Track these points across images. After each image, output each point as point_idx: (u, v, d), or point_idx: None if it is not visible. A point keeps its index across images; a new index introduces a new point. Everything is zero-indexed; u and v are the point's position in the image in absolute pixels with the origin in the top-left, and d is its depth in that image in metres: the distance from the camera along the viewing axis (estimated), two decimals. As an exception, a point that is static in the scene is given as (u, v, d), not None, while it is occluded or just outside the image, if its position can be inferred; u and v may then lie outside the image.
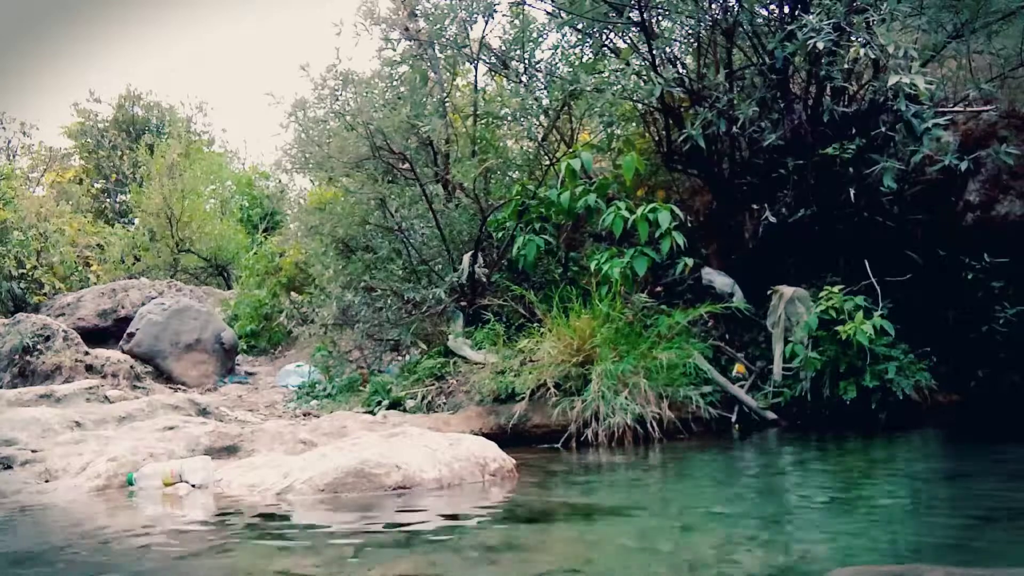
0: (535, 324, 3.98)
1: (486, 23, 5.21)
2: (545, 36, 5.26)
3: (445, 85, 5.39)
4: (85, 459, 2.32)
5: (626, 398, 3.30)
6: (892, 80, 3.34)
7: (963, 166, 3.68)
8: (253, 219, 12.54)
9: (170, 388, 5.48)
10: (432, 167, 5.17)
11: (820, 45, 3.52)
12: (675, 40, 4.63)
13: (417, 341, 4.76)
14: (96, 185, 16.93)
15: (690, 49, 4.80)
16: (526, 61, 5.25)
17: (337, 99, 5.24)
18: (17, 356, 5.21)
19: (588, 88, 4.32)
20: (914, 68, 3.34)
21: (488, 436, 2.79)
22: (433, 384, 4.07)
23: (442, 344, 4.50)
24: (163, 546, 1.47)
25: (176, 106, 17.68)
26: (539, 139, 5.25)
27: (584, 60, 5.05)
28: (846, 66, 3.89)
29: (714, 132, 4.28)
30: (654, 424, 3.28)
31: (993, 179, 4.18)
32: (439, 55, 5.38)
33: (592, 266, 4.11)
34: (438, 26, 5.07)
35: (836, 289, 3.76)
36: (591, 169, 4.50)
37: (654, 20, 4.41)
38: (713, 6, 4.33)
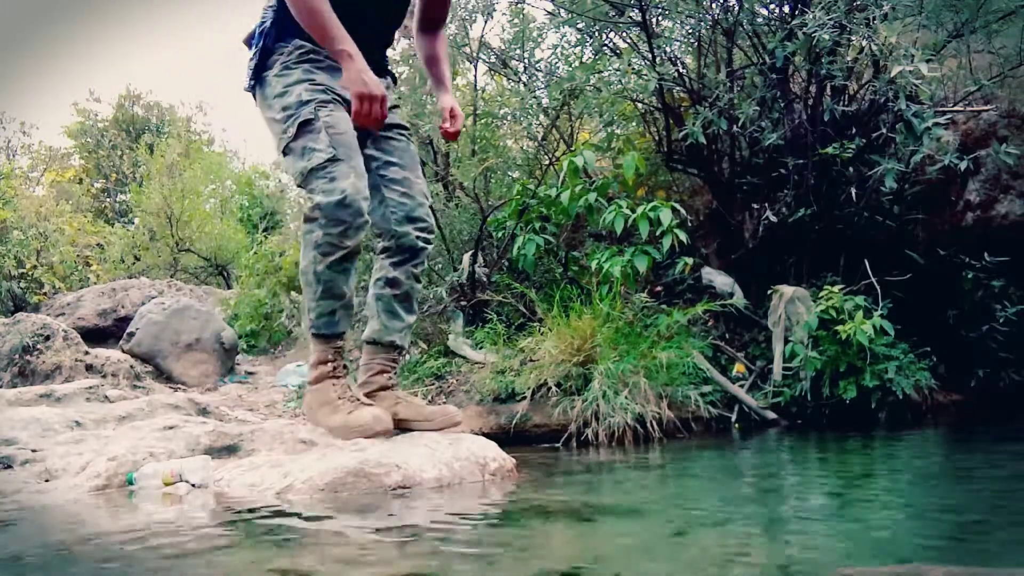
0: (536, 323, 3.98)
1: (485, 22, 5.21)
2: (545, 35, 5.26)
3: (445, 84, 5.38)
4: (85, 459, 2.32)
5: (626, 398, 3.30)
6: (895, 71, 3.34)
7: (963, 166, 3.69)
8: (253, 219, 12.53)
9: (170, 387, 5.48)
10: (432, 166, 5.17)
11: (826, 36, 3.52)
12: (675, 40, 4.64)
13: (417, 341, 4.76)
14: (96, 185, 16.94)
15: (690, 48, 4.80)
16: (526, 60, 5.25)
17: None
18: (17, 355, 5.20)
19: (587, 87, 4.32)
20: (917, 59, 3.35)
21: (488, 435, 2.79)
22: (433, 384, 4.07)
23: (442, 344, 4.50)
24: (163, 546, 1.47)
25: (176, 106, 17.69)
26: (539, 139, 5.25)
27: (584, 60, 5.05)
28: (847, 65, 3.89)
29: (714, 131, 4.29)
30: (654, 423, 3.28)
31: (993, 179, 4.19)
32: (439, 54, 5.37)
33: (593, 265, 4.11)
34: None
35: (836, 289, 3.76)
36: (592, 168, 4.51)
37: (654, 20, 4.41)
38: (714, 6, 4.33)
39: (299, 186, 2.10)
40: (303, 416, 2.19)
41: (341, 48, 2.01)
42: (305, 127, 2.07)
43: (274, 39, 2.15)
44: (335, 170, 2.02)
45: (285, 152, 2.11)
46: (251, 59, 2.21)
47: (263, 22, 2.18)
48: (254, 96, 2.26)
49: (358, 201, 2.02)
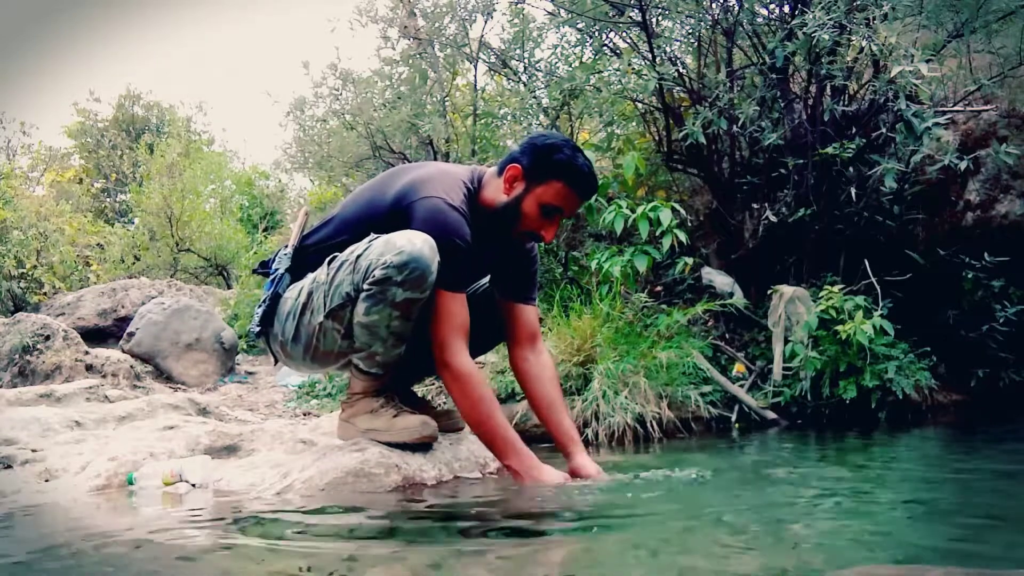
0: (535, 323, 3.97)
1: (485, 22, 5.22)
2: (545, 35, 5.26)
3: (445, 84, 5.38)
4: (85, 459, 2.32)
5: (626, 397, 3.30)
6: (895, 71, 3.34)
7: (963, 165, 3.69)
8: (253, 219, 12.53)
9: (170, 387, 5.48)
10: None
11: (826, 36, 3.52)
12: (676, 40, 4.64)
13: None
14: (96, 185, 16.93)
15: (690, 48, 4.80)
16: (526, 60, 5.25)
17: (337, 98, 5.25)
18: (17, 355, 5.21)
19: (587, 87, 4.32)
20: (917, 59, 3.35)
21: (488, 436, 2.78)
22: (433, 383, 4.07)
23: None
24: (163, 546, 1.47)
25: (176, 105, 17.68)
26: (539, 139, 5.25)
27: (584, 60, 5.05)
28: (847, 65, 3.90)
29: (714, 131, 4.29)
30: (654, 424, 3.28)
31: (993, 179, 4.19)
32: (438, 54, 5.38)
33: (593, 265, 4.11)
34: (437, 24, 5.07)
35: (836, 289, 3.76)
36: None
37: (654, 20, 4.41)
38: (714, 6, 4.33)
39: (356, 292, 1.96)
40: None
41: (507, 463, 2.01)
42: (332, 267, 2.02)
43: (286, 286, 2.14)
44: (375, 244, 1.93)
45: (329, 315, 2.01)
46: (261, 304, 2.17)
47: (276, 268, 2.18)
48: (267, 341, 2.21)
49: (421, 248, 1.90)
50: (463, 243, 1.98)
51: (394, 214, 2.01)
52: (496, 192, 2.10)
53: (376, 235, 1.97)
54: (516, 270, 2.29)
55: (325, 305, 2.02)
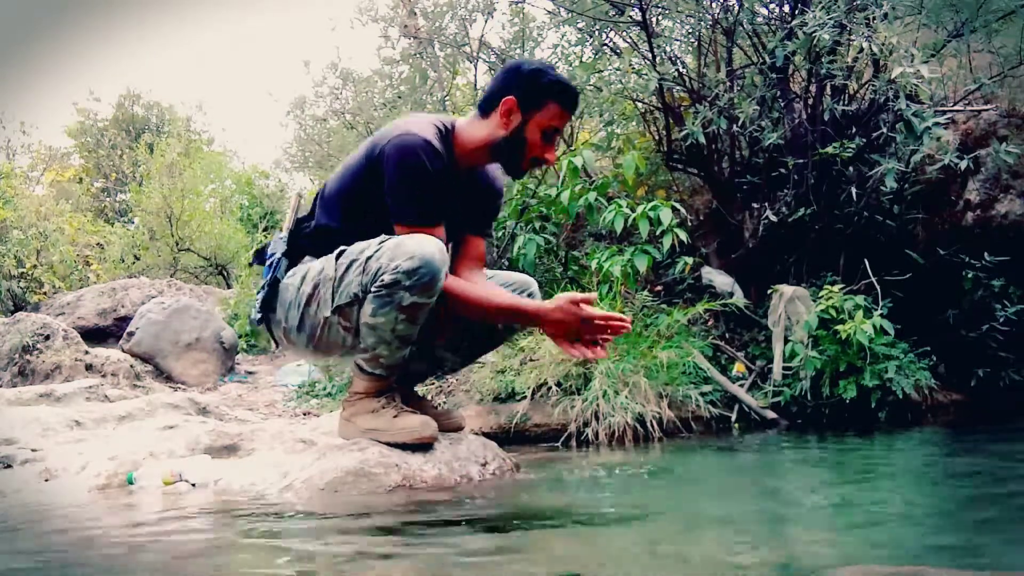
0: (535, 323, 3.98)
1: (486, 22, 5.22)
2: (545, 35, 5.26)
3: (445, 83, 5.38)
4: (85, 458, 2.32)
5: (626, 397, 3.30)
6: (895, 72, 3.34)
7: (963, 165, 3.69)
8: (253, 219, 12.51)
9: (170, 387, 5.48)
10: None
11: (826, 36, 3.52)
12: (676, 39, 4.64)
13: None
14: (96, 184, 16.92)
15: (690, 48, 4.80)
16: (526, 60, 5.24)
17: (337, 97, 5.25)
18: (17, 355, 5.20)
19: (587, 87, 4.32)
20: (917, 60, 3.35)
21: (488, 435, 2.79)
22: (433, 383, 4.07)
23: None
24: (162, 546, 1.47)
25: (176, 105, 17.66)
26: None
27: (584, 59, 5.05)
28: (847, 64, 3.90)
29: (714, 131, 4.29)
30: (654, 423, 3.28)
31: (993, 178, 4.19)
32: (439, 53, 5.38)
33: (593, 264, 4.11)
34: (437, 24, 5.07)
35: (836, 288, 3.76)
36: (592, 167, 4.51)
37: (654, 19, 4.41)
38: (714, 5, 4.34)
39: (364, 293, 1.97)
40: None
41: (524, 323, 2.08)
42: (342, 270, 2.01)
43: (284, 271, 2.15)
44: (385, 247, 1.94)
45: (336, 311, 2.03)
46: (260, 289, 2.17)
47: (273, 253, 2.19)
48: (268, 328, 2.21)
49: (432, 253, 1.90)
50: (435, 173, 1.98)
51: (369, 166, 2.03)
52: (490, 128, 2.09)
53: (387, 237, 1.98)
54: (480, 205, 2.29)
55: (332, 301, 2.02)
